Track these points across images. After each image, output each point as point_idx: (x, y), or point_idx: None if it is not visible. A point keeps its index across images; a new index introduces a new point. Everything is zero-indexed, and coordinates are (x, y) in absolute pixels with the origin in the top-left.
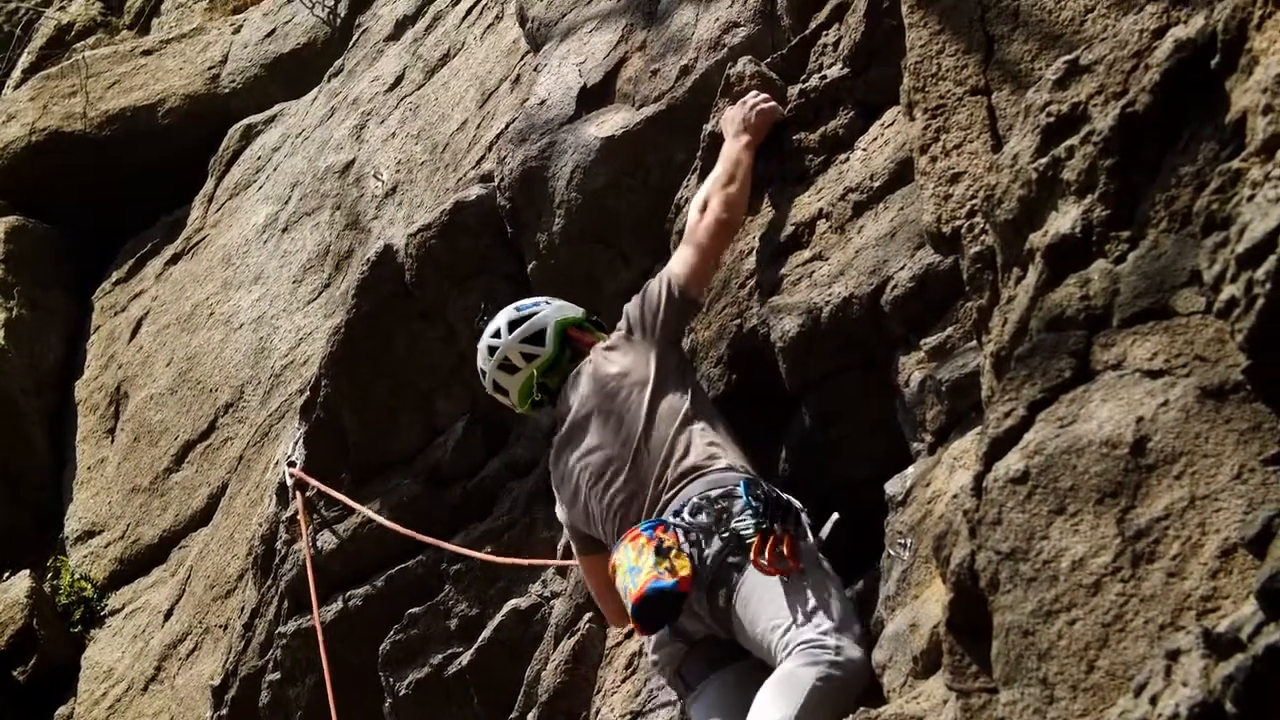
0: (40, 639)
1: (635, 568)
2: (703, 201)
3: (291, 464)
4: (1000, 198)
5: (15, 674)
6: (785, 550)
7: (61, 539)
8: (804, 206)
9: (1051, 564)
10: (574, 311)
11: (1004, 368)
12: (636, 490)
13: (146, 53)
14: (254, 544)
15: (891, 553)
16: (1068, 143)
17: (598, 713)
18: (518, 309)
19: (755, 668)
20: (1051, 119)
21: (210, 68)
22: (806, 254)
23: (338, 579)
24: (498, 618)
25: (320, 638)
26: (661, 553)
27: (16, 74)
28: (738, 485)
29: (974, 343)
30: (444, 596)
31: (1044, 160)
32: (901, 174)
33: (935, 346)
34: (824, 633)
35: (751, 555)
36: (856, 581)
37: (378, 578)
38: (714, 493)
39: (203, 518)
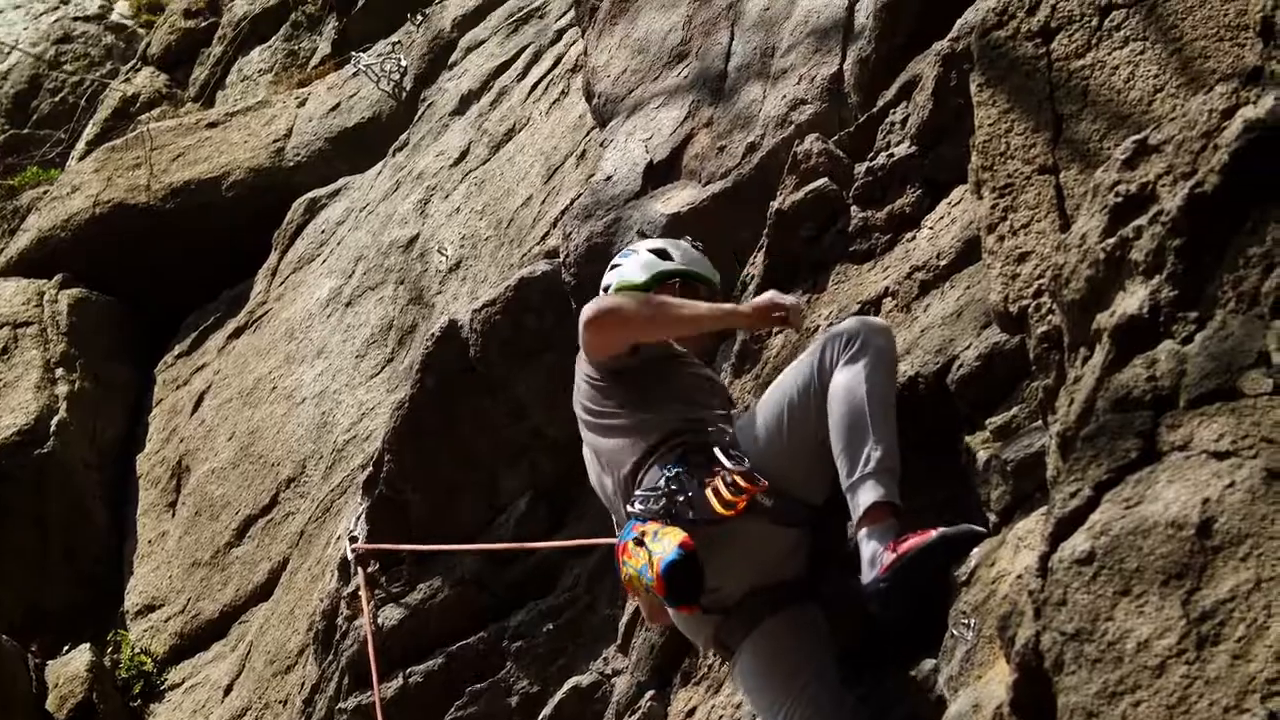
0: (100, 713)
1: (642, 568)
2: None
3: (354, 539)
4: (1068, 277)
5: None
6: (742, 482)
7: (122, 613)
8: (870, 284)
9: (1116, 645)
10: (634, 278)
11: (1070, 448)
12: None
13: (211, 125)
14: (315, 619)
15: (955, 633)
16: (1136, 223)
17: None
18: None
19: (790, 619)
20: (1120, 199)
21: (275, 141)
22: None
23: (399, 655)
24: (558, 695)
25: (380, 715)
26: (644, 542)
27: (81, 145)
28: (662, 476)
29: (1040, 423)
30: (505, 674)
31: (1112, 240)
32: (968, 253)
33: (1001, 426)
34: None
35: (717, 504)
36: (920, 663)
37: (439, 654)
38: (653, 491)
39: (263, 593)
